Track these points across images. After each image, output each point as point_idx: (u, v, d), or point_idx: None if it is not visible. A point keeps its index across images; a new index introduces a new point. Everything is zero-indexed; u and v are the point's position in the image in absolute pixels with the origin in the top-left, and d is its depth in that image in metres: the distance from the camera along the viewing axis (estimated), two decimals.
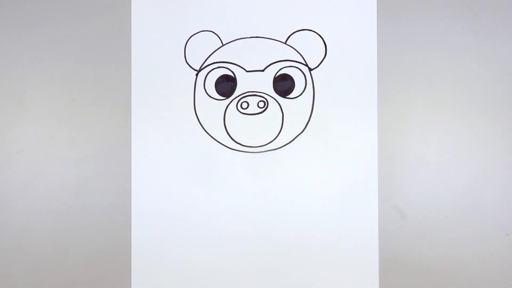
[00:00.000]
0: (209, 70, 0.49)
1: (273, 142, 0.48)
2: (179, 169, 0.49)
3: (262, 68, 0.48)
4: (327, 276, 0.47)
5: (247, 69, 0.48)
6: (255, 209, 0.49)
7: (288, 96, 0.48)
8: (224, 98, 0.49)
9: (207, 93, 0.49)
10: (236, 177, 0.49)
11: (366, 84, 0.48)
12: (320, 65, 0.48)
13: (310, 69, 0.48)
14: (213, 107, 0.49)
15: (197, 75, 0.49)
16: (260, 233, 0.49)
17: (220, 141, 0.49)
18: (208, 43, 0.49)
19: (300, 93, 0.48)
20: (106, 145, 0.49)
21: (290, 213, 0.48)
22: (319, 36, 0.48)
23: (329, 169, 0.47)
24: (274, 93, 0.48)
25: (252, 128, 0.48)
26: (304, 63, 0.48)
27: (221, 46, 0.49)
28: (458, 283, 0.47)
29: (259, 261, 0.49)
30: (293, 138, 0.48)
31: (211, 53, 0.49)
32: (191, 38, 0.49)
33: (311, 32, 0.48)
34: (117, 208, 0.49)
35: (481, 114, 0.47)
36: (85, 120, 0.50)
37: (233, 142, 0.49)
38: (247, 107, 0.48)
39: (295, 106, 0.48)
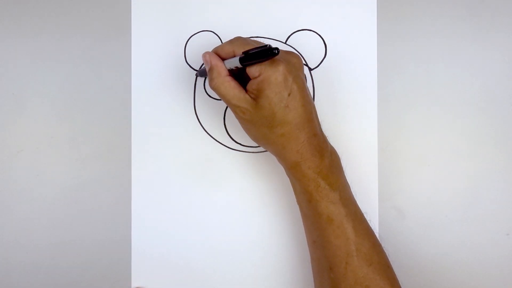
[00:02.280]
0: None
1: None
2: (179, 169, 0.49)
3: None
4: None
5: None
6: (255, 209, 0.49)
7: None
8: None
9: (207, 93, 0.49)
10: (236, 177, 0.49)
11: (366, 84, 0.48)
12: (320, 65, 0.48)
13: (310, 69, 0.48)
14: (213, 107, 0.49)
15: (197, 75, 0.49)
16: (260, 233, 0.49)
17: (220, 141, 0.49)
18: (208, 43, 0.49)
19: None
20: (106, 145, 0.49)
21: (290, 214, 0.48)
22: (319, 36, 0.48)
23: None
24: None
25: None
26: (304, 63, 0.48)
27: None
28: (458, 283, 0.47)
29: (259, 260, 0.49)
30: None
31: None
32: (191, 38, 0.49)
33: (311, 32, 0.48)
34: (117, 208, 0.49)
35: (481, 114, 0.48)
36: (85, 120, 0.50)
37: (233, 142, 0.49)
38: None
39: None
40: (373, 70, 0.48)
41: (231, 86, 0.38)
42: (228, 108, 0.48)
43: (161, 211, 0.49)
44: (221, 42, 0.49)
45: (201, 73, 0.47)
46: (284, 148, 0.38)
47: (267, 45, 0.35)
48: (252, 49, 0.36)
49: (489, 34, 0.48)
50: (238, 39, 0.39)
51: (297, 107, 0.37)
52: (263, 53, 0.35)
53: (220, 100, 0.49)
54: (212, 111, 0.49)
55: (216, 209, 0.49)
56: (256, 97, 0.37)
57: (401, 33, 0.48)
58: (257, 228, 0.49)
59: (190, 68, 0.49)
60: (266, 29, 0.49)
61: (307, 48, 0.48)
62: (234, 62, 0.37)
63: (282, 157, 0.39)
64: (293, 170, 0.39)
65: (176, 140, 0.49)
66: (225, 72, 0.39)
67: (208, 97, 0.49)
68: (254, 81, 0.37)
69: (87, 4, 0.50)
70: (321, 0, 0.49)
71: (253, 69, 0.36)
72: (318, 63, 0.48)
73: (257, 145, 0.48)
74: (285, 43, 0.48)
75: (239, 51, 0.38)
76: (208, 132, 0.49)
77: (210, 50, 0.49)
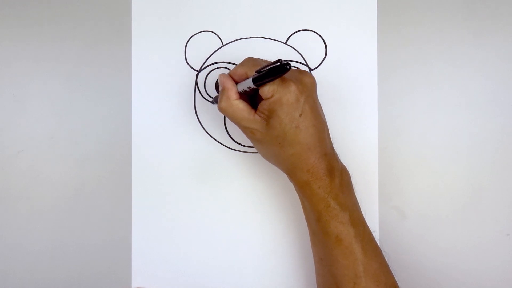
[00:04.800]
0: (210, 70, 0.49)
1: None
2: (179, 169, 0.49)
3: None
4: None
5: None
6: (255, 209, 0.49)
7: None
8: None
9: (208, 93, 0.49)
10: (236, 177, 0.49)
11: (366, 84, 0.48)
12: (321, 66, 0.48)
13: (310, 69, 0.48)
14: (213, 107, 0.49)
15: (197, 75, 0.49)
16: (260, 233, 0.49)
17: (220, 141, 0.49)
18: (209, 43, 0.49)
19: None
20: (106, 145, 0.49)
21: (290, 213, 0.48)
22: (319, 37, 0.48)
23: None
24: None
25: None
26: (305, 63, 0.48)
27: (221, 47, 0.49)
28: (458, 283, 0.47)
29: (259, 261, 0.49)
30: None
31: (211, 53, 0.49)
32: (191, 39, 0.49)
33: (311, 32, 0.48)
34: (117, 208, 0.49)
35: (481, 114, 0.48)
36: (85, 120, 0.50)
37: (233, 142, 0.49)
38: None
39: None
40: (373, 70, 0.48)
41: (239, 109, 0.38)
42: None
43: (161, 211, 0.49)
44: (221, 42, 0.49)
45: (216, 100, 0.47)
46: (294, 168, 0.39)
47: (278, 60, 0.35)
48: (264, 67, 0.36)
49: (489, 34, 0.48)
50: (249, 60, 0.40)
51: (308, 127, 0.37)
52: (275, 70, 0.35)
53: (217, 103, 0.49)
54: (212, 111, 0.49)
55: (216, 209, 0.49)
56: (267, 117, 0.37)
57: (401, 33, 0.48)
58: (258, 228, 0.49)
59: (190, 68, 0.49)
60: (266, 29, 0.49)
61: (307, 48, 0.48)
62: (248, 83, 0.38)
63: (292, 176, 0.40)
64: (303, 189, 0.39)
65: (176, 140, 0.49)
66: (234, 96, 0.39)
67: (209, 97, 0.49)
68: (266, 102, 0.37)
69: (87, 5, 0.50)
70: (321, 0, 0.49)
71: (266, 89, 0.36)
72: (319, 63, 0.48)
73: None
74: (286, 43, 0.48)
75: (252, 72, 0.38)
76: (208, 132, 0.49)
77: (211, 50, 0.49)
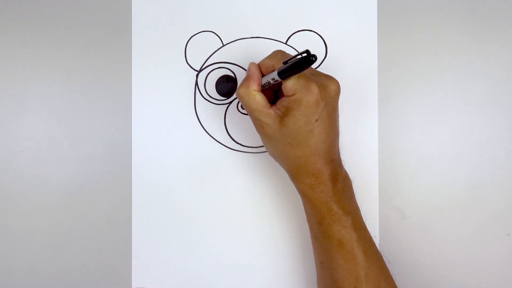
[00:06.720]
0: (210, 70, 0.49)
1: None
2: (179, 169, 0.49)
3: None
4: None
5: None
6: (255, 209, 0.49)
7: None
8: (224, 98, 0.49)
9: (208, 93, 0.49)
10: (236, 177, 0.49)
11: (366, 84, 0.48)
12: (321, 66, 0.48)
13: None
14: (213, 107, 0.49)
15: (197, 75, 0.49)
16: (261, 233, 0.49)
17: (220, 141, 0.49)
18: (209, 43, 0.49)
19: None
20: (106, 145, 0.49)
21: (291, 214, 0.48)
22: (319, 37, 0.48)
23: None
24: None
25: (252, 128, 0.48)
26: None
27: (221, 47, 0.49)
28: (458, 283, 0.47)
29: (259, 261, 0.49)
30: None
31: (211, 53, 0.49)
32: (191, 39, 0.49)
33: (312, 32, 0.48)
34: (117, 208, 0.49)
35: (481, 114, 0.48)
36: (85, 120, 0.50)
37: (233, 142, 0.49)
38: None
39: None
40: (374, 70, 0.48)
41: (254, 100, 0.38)
42: (229, 108, 0.49)
43: (161, 211, 0.49)
44: (221, 42, 0.49)
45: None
46: (299, 170, 0.38)
47: (307, 51, 0.34)
48: (291, 58, 0.36)
49: (490, 33, 0.48)
50: (277, 53, 0.39)
51: (321, 133, 0.37)
52: (301, 63, 0.34)
53: (220, 100, 0.49)
54: (212, 111, 0.49)
55: (216, 209, 0.49)
56: (282, 115, 0.37)
57: (401, 33, 0.48)
58: (258, 228, 0.49)
59: (190, 68, 0.49)
60: (266, 29, 0.49)
61: (308, 48, 0.48)
62: (273, 75, 0.37)
63: (296, 178, 0.39)
64: (305, 192, 0.39)
65: (176, 140, 0.49)
66: (255, 86, 0.38)
67: (209, 97, 0.49)
68: (285, 99, 0.37)
69: (87, 4, 0.50)
70: (321, 0, 0.49)
71: (289, 86, 0.36)
72: (319, 63, 0.48)
73: (257, 145, 0.48)
74: (286, 43, 0.48)
75: (279, 65, 0.37)
76: (209, 132, 0.49)
77: (211, 50, 0.49)
